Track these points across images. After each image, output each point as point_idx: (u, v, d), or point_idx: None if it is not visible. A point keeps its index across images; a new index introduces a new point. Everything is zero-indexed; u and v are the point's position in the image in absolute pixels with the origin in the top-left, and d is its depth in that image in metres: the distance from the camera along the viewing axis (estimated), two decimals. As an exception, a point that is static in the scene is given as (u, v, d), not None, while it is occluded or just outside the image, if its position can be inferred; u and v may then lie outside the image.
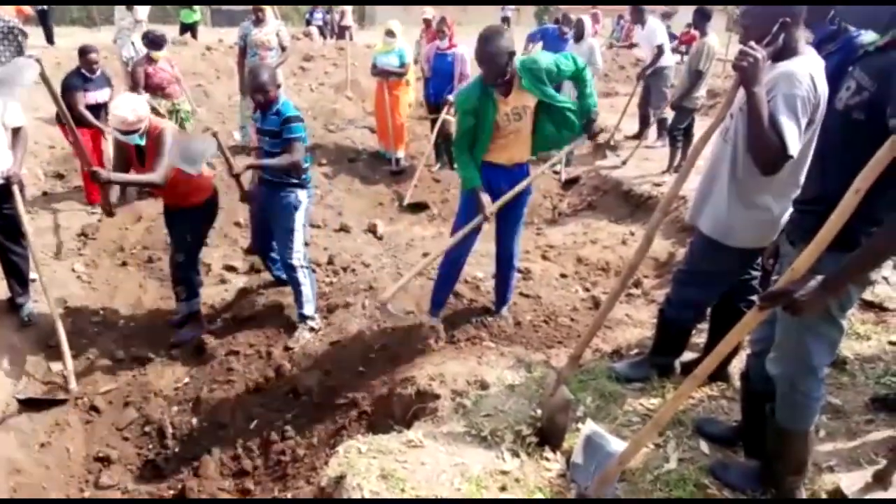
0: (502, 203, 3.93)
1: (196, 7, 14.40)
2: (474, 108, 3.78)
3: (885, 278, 4.16)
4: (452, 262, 4.21)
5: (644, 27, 8.42)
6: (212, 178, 4.75)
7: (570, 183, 8.29)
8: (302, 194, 4.56)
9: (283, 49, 7.89)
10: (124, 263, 5.77)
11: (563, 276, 5.39)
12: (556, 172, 8.51)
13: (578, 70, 3.92)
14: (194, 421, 4.16)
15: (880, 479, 2.55)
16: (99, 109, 6.37)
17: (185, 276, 4.76)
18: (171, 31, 14.75)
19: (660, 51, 8.14)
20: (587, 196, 7.87)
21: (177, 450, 4.06)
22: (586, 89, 4.00)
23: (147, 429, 4.20)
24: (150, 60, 6.83)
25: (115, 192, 5.58)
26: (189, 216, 4.66)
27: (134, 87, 6.71)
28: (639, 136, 8.69)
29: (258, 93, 4.28)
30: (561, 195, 8.12)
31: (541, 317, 4.49)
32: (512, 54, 3.64)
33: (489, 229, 4.26)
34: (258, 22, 7.66)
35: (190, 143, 4.63)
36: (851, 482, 2.58)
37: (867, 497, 2.52)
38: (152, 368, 4.60)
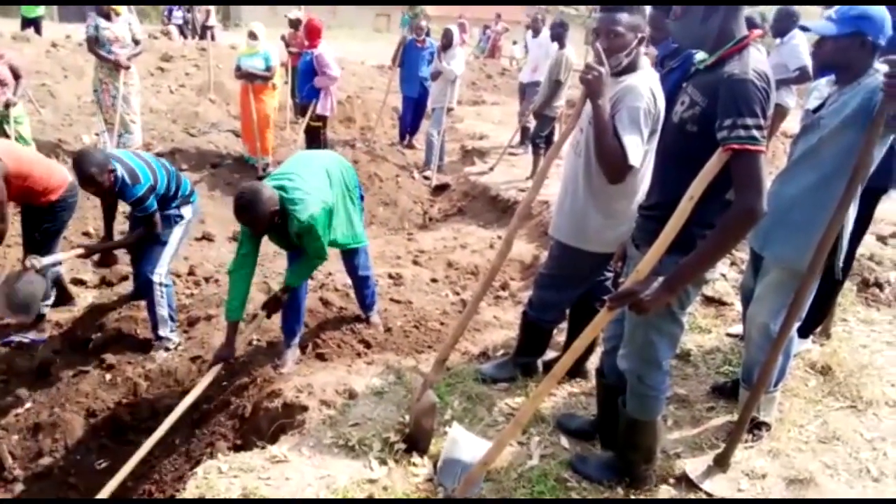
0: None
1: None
2: (252, 237, 3.58)
3: (723, 275, 4.55)
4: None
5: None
6: (65, 174, 4.32)
7: (440, 189, 8.42)
8: (186, 209, 4.39)
9: (137, 43, 7.41)
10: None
11: (434, 280, 5.44)
12: (426, 178, 8.62)
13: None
14: (37, 450, 3.81)
15: (720, 462, 2.78)
16: None
17: None
18: (11, 26, 13.52)
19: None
20: (457, 202, 8.02)
21: (18, 483, 3.69)
22: (301, 262, 3.70)
23: (-19, 461, 3.79)
24: None
25: None
26: (42, 214, 4.28)
27: None
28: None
29: (90, 186, 3.87)
30: (432, 201, 8.22)
31: (411, 322, 4.50)
32: (274, 213, 3.33)
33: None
34: (107, 17, 7.13)
35: (14, 290, 3.85)
36: (695, 466, 2.78)
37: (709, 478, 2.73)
38: (-13, 394, 4.16)
